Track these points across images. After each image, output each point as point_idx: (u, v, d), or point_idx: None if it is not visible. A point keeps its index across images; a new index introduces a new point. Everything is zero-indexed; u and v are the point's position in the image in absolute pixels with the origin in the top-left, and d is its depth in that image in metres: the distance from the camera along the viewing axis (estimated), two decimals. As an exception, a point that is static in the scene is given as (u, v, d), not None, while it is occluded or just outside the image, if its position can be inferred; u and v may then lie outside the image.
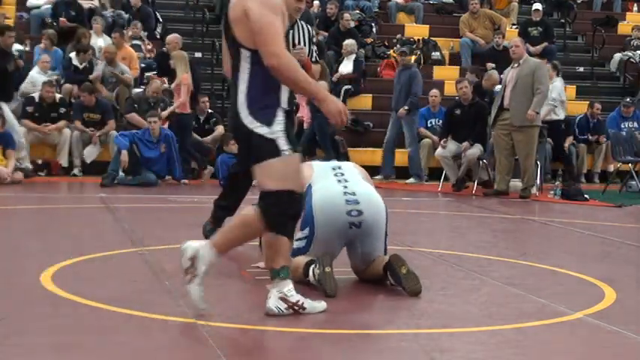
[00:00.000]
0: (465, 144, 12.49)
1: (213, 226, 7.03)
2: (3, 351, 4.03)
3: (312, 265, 5.40)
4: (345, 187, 5.69)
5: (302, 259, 5.56)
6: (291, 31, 7.29)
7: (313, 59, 7.52)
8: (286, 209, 4.70)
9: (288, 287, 4.81)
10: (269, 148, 4.66)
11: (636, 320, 5.11)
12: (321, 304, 4.94)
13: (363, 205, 5.61)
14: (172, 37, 13.95)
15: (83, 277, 5.87)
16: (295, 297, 4.82)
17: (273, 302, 4.79)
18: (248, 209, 4.78)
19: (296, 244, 5.70)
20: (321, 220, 5.57)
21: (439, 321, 4.93)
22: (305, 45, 7.40)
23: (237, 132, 4.82)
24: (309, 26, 7.55)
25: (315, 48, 7.61)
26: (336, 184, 5.72)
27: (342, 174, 5.83)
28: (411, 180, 13.61)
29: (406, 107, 13.37)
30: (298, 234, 5.68)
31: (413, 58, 15.45)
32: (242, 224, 4.81)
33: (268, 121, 4.67)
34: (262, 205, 4.70)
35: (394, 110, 13.66)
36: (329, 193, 5.65)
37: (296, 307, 4.80)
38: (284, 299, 4.79)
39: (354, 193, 5.62)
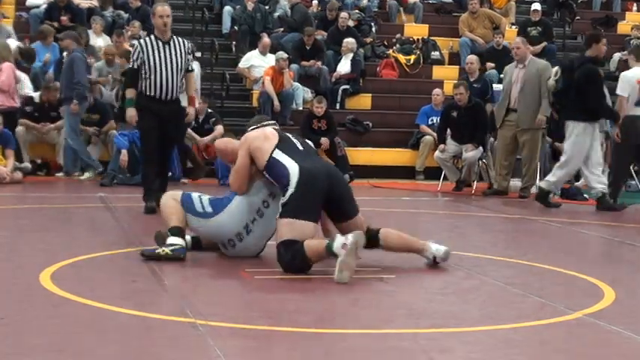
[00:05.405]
0: (469, 146, 12.43)
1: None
2: (3, 351, 4.03)
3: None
4: None
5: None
6: (167, 46, 8.72)
7: (190, 69, 9.04)
8: None
9: None
10: None
11: (636, 320, 5.12)
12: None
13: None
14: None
15: (83, 277, 5.87)
16: None
17: None
18: None
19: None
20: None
21: (438, 321, 4.93)
22: (182, 57, 8.75)
23: None
24: (184, 39, 8.96)
25: (190, 57, 8.99)
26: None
27: None
28: (87, 174, 12.68)
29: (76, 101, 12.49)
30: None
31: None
32: None
33: None
34: None
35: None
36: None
37: None
38: None
39: None
